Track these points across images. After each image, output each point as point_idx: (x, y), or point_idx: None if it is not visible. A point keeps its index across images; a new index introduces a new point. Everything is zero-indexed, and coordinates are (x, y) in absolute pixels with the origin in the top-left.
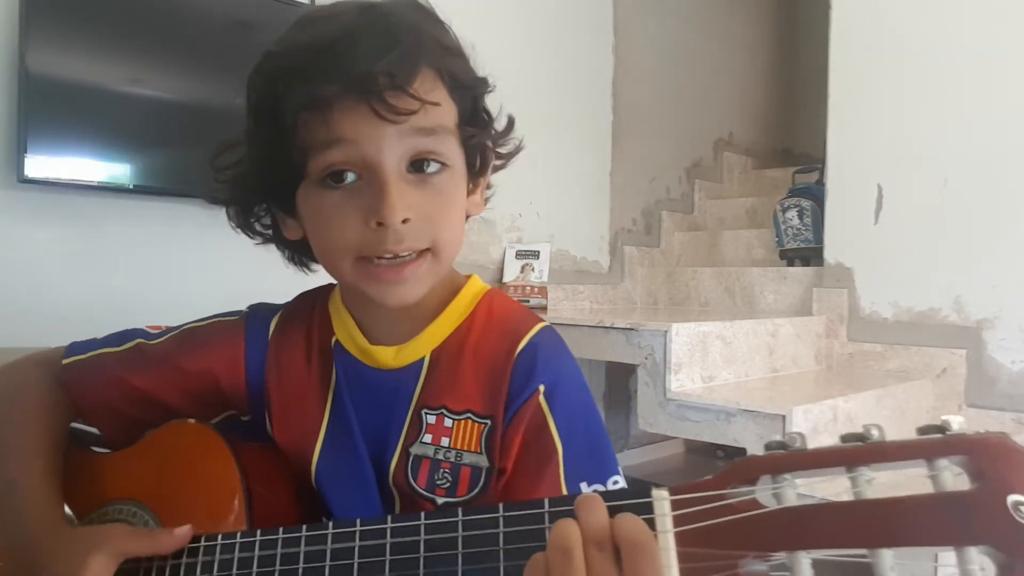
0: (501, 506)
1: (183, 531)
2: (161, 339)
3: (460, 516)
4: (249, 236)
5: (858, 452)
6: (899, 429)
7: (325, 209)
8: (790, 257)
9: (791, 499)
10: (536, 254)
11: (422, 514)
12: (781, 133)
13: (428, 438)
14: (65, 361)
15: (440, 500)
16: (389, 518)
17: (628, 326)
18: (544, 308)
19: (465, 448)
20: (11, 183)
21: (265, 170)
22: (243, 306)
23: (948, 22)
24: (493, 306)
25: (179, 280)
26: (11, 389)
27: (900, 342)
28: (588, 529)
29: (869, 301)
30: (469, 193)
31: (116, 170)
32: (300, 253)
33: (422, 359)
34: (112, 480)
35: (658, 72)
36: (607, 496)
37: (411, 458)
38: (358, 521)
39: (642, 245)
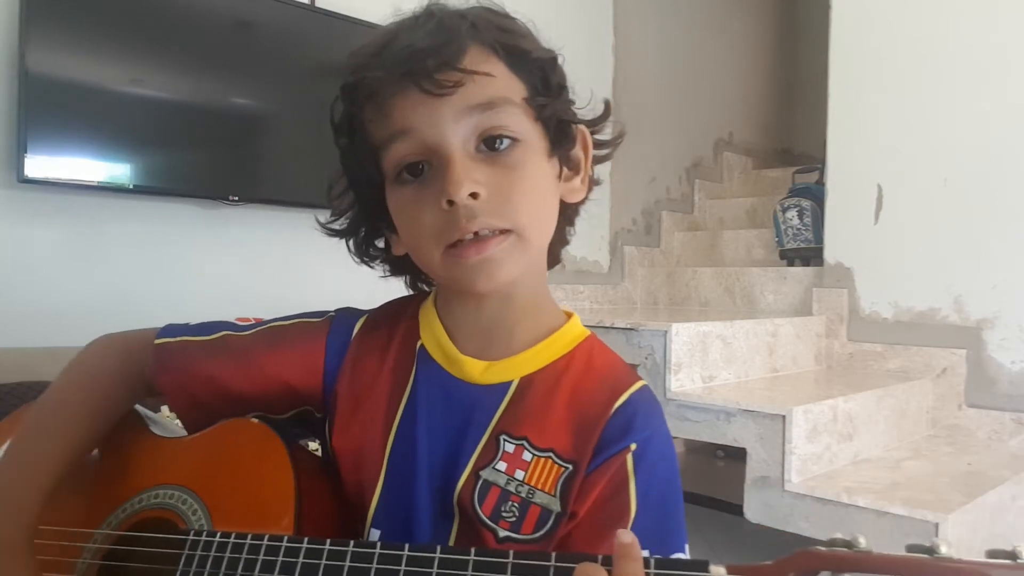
0: (553, 555)
1: None
2: (246, 333)
3: (511, 559)
4: (370, 266)
5: (924, 564)
6: (899, 429)
7: (404, 203)
8: (790, 257)
9: None
10: None
11: (472, 549)
12: (781, 133)
13: (503, 466)
14: (156, 341)
15: (503, 533)
16: (438, 548)
17: (628, 326)
18: None
19: (539, 487)
20: (11, 183)
21: (355, 182)
22: (243, 305)
23: (948, 22)
24: (594, 352)
25: (179, 280)
26: (85, 367)
27: (900, 342)
28: None
29: (869, 301)
30: (564, 178)
31: (116, 170)
32: (415, 275)
33: (510, 382)
34: (167, 464)
35: (658, 72)
36: (666, 564)
37: (480, 482)
38: (406, 547)
39: (642, 245)
